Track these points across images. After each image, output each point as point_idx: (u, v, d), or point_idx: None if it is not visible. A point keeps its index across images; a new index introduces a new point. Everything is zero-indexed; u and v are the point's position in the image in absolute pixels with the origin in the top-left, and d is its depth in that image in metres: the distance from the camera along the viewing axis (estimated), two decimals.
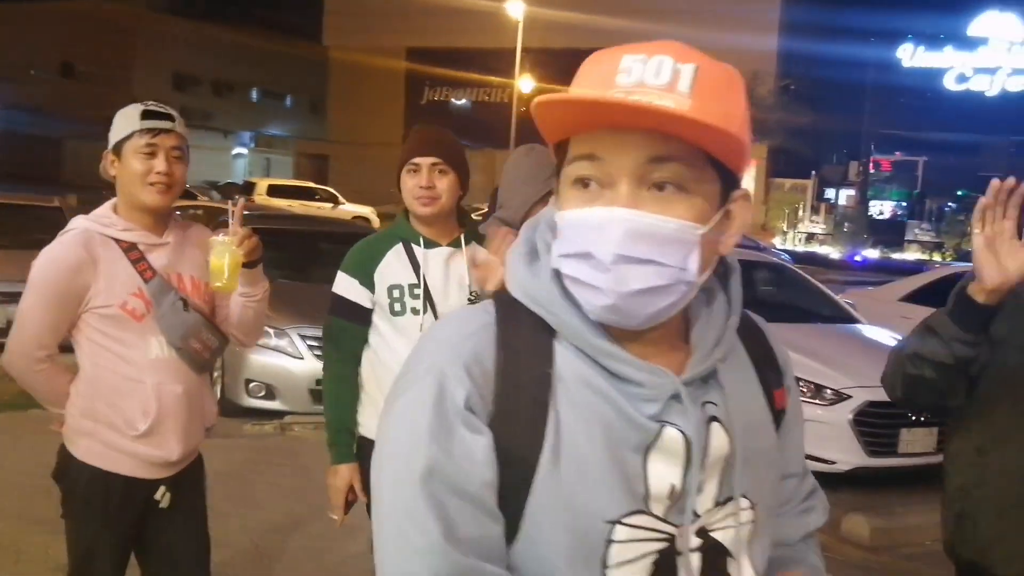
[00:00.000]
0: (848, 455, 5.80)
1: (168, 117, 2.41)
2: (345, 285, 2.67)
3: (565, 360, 1.05)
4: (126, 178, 2.39)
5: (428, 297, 2.63)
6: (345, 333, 2.69)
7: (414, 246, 2.68)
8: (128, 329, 2.38)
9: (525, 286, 1.08)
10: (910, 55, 37.57)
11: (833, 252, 33.16)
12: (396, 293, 2.63)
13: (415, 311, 2.62)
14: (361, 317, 2.66)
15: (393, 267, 2.66)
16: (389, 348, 2.62)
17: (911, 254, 34.86)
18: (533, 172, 3.20)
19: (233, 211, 2.40)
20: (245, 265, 2.41)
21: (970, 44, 36.99)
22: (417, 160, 2.64)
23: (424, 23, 41.69)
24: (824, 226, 39.07)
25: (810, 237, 37.85)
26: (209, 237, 2.46)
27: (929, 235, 37.90)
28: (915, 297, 8.50)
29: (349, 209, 27.16)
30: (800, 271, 8.69)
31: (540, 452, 1.01)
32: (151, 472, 2.46)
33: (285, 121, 52.18)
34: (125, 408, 2.40)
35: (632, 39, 1.09)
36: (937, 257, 33.85)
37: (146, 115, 2.38)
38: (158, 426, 2.42)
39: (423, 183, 2.62)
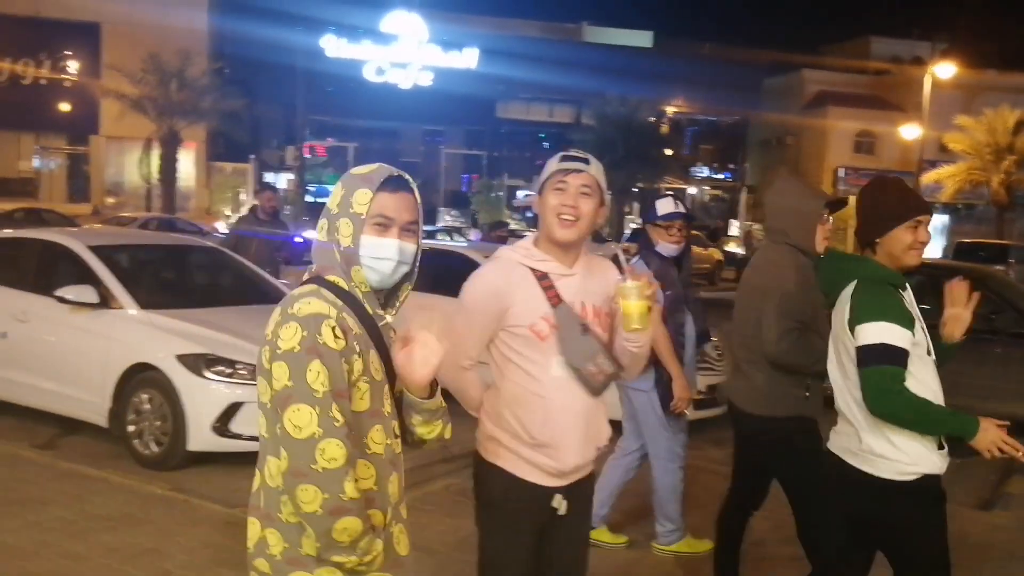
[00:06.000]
0: None
1: (583, 160, 2.65)
2: (898, 335, 2.80)
3: None
4: (543, 212, 2.65)
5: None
6: (901, 380, 2.80)
7: (902, 290, 2.97)
8: (534, 348, 2.61)
9: None
10: (333, 45, 39.56)
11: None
12: (921, 334, 2.92)
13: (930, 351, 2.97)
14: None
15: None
16: (928, 389, 2.90)
17: None
18: (803, 192, 3.93)
19: (623, 256, 2.73)
20: None
21: (385, 39, 40.07)
22: (922, 217, 2.98)
23: None
24: None
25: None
26: (616, 279, 2.64)
27: None
28: None
29: None
30: (234, 254, 8.69)
31: None
32: (547, 480, 2.69)
33: None
34: (526, 418, 2.62)
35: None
36: None
37: (563, 159, 2.66)
38: (554, 438, 2.63)
39: (923, 239, 2.99)
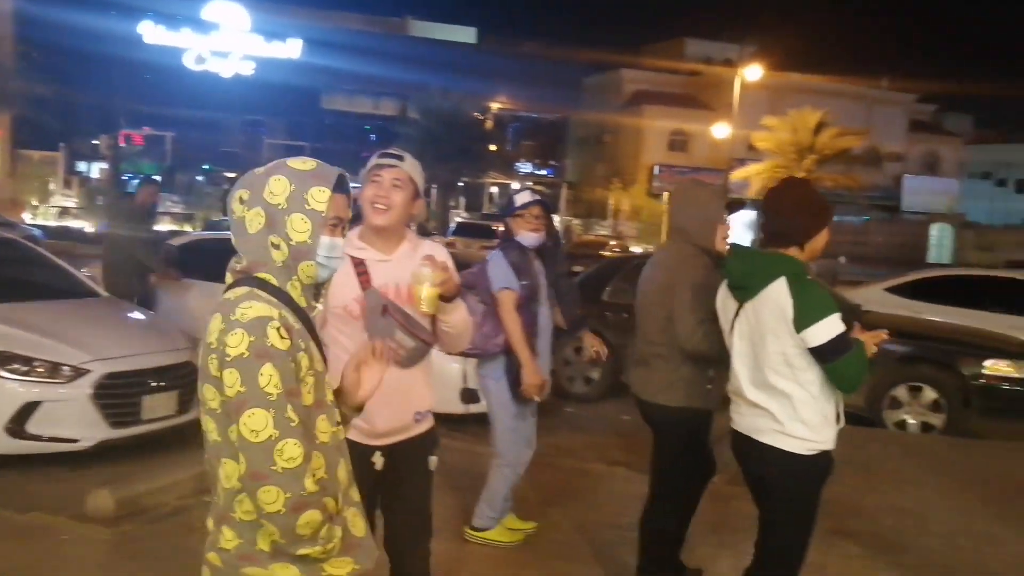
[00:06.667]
0: (91, 430, 5.76)
1: (397, 157, 3.04)
2: (840, 322, 3.07)
3: None
4: (362, 202, 2.98)
5: None
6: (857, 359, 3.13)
7: None
8: (350, 325, 3.01)
9: None
10: (151, 32, 37.96)
11: (87, 225, 32.16)
12: None
13: None
14: None
15: None
16: None
17: (164, 225, 35.53)
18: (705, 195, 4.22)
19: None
20: (441, 298, 2.89)
21: (206, 27, 38.78)
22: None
23: None
24: (77, 200, 37.71)
25: (64, 211, 36.23)
26: (427, 256, 2.92)
27: (180, 207, 39.12)
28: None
29: None
30: (39, 246, 8.36)
31: None
32: (365, 439, 3.02)
33: None
34: None
35: None
36: (188, 227, 35.16)
37: (381, 155, 3.05)
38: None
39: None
